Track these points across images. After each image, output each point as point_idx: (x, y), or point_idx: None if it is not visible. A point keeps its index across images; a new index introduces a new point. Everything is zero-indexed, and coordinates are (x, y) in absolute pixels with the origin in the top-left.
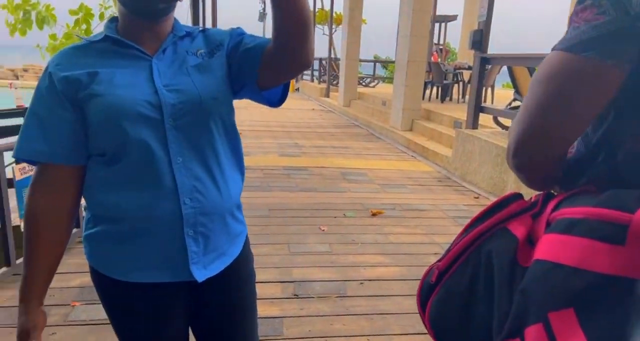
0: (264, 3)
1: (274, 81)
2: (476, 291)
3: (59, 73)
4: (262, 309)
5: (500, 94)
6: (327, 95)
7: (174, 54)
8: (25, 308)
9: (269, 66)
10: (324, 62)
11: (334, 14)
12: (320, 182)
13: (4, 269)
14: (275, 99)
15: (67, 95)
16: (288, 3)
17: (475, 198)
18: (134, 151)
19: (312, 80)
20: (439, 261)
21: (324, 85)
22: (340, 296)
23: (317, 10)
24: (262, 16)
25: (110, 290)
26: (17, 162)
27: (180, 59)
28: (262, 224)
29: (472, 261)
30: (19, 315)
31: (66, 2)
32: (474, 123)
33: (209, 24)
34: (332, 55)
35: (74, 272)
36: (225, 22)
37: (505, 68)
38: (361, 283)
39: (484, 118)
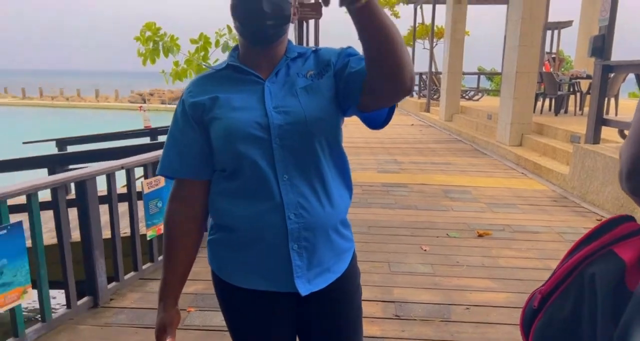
0: None
1: (374, 106)
2: (580, 316)
3: (189, 100)
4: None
5: (627, 105)
6: (428, 110)
7: (286, 76)
8: (163, 306)
9: (368, 92)
10: (424, 76)
11: (435, 28)
12: (421, 199)
13: (132, 274)
14: (379, 121)
15: (195, 119)
16: (373, 27)
17: (598, 220)
18: (246, 168)
19: (412, 95)
20: (542, 286)
21: (423, 100)
22: (445, 321)
23: (417, 25)
24: None
25: (225, 293)
26: (146, 177)
27: (291, 80)
28: (361, 241)
29: (575, 285)
30: (158, 312)
31: (188, 31)
32: (595, 138)
33: (312, 44)
34: (433, 69)
35: (190, 279)
36: (329, 42)
37: (632, 75)
38: (467, 308)
39: (607, 132)
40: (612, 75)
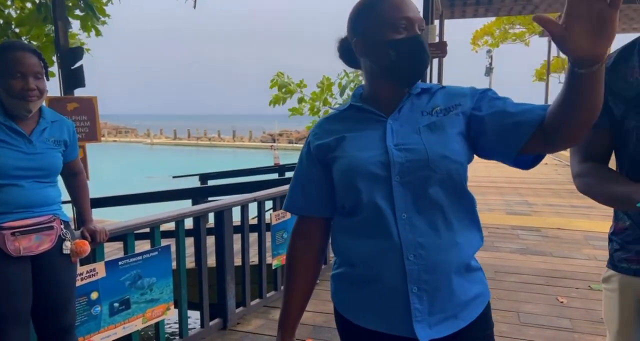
0: (491, 58)
1: (533, 152)
2: None
3: (315, 141)
4: None
5: None
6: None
7: (409, 112)
8: (281, 335)
9: (535, 143)
10: None
11: None
12: (557, 245)
13: (257, 300)
14: (529, 161)
15: (319, 159)
16: (594, 91)
17: None
18: (365, 205)
19: None
20: None
21: None
22: None
23: (552, 59)
24: (489, 71)
25: (345, 328)
26: (274, 209)
27: (414, 117)
28: None
29: None
30: (277, 339)
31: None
32: None
33: (435, 81)
34: None
35: (310, 311)
36: (452, 79)
37: None
38: None
39: None
40: None
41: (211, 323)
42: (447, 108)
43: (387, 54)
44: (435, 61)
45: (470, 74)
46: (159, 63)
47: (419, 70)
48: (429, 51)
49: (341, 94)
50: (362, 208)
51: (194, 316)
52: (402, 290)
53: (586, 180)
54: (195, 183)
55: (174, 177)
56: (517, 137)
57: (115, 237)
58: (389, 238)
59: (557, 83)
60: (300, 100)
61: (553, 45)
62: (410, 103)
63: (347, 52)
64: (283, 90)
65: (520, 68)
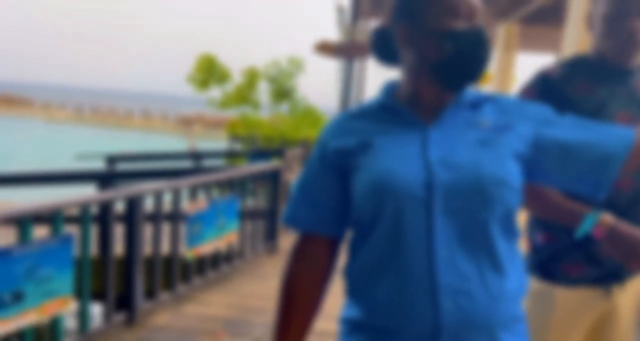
0: None
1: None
2: None
3: (332, 141)
4: None
5: None
6: None
7: (453, 123)
8: None
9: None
10: None
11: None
12: None
13: (167, 293)
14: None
15: (336, 165)
16: None
17: None
18: (392, 234)
19: None
20: None
21: None
22: None
23: None
24: None
25: None
26: (190, 199)
27: (460, 129)
28: None
29: None
30: None
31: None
32: None
33: (356, 84)
34: None
35: (220, 305)
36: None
37: None
38: None
39: None
40: None
41: (116, 316)
42: (500, 125)
43: (441, 46)
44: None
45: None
46: (59, 17)
47: (475, 72)
48: (491, 51)
49: (274, 96)
50: (388, 236)
51: (99, 310)
52: None
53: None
54: (100, 165)
55: (76, 156)
56: (605, 174)
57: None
58: (422, 279)
59: None
60: (227, 94)
61: None
62: (455, 113)
63: (384, 42)
64: (215, 75)
65: None
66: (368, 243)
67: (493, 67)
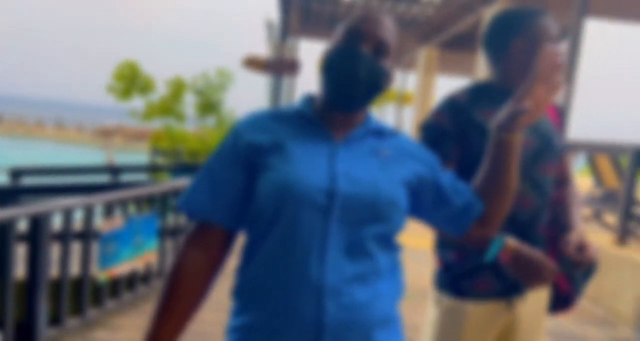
0: None
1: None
2: None
3: (246, 135)
4: None
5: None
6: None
7: (360, 144)
8: None
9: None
10: None
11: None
12: None
13: (76, 319)
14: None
15: (246, 159)
16: (513, 161)
17: None
18: (289, 236)
19: None
20: None
21: None
22: None
23: None
24: None
25: None
26: (105, 217)
27: (365, 152)
28: None
29: None
30: None
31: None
32: None
33: (285, 99)
34: None
35: None
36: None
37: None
38: None
39: None
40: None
41: None
42: (397, 158)
43: (321, 64)
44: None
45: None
46: None
47: (344, 96)
48: (371, 80)
49: (201, 109)
50: (284, 238)
51: None
52: None
53: None
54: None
55: None
56: (457, 225)
57: None
58: (311, 282)
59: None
60: (151, 105)
61: None
62: (363, 137)
63: None
64: (137, 85)
65: None
66: (263, 243)
67: (415, 88)
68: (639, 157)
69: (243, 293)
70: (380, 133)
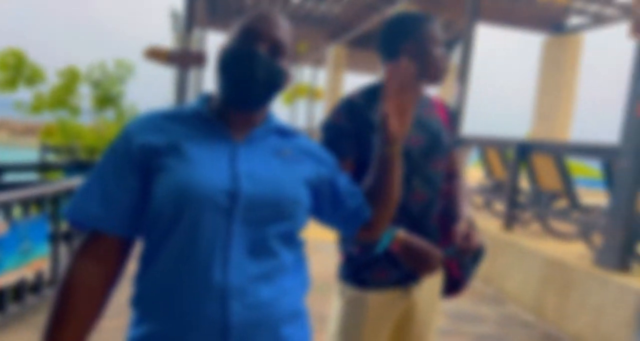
0: None
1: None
2: None
3: (139, 136)
4: None
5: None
6: None
7: (261, 144)
8: None
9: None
10: None
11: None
12: None
13: None
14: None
15: (140, 162)
16: (396, 173)
17: None
18: (189, 239)
19: None
20: None
21: None
22: None
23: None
24: None
25: None
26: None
27: (266, 151)
28: None
29: None
30: None
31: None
32: None
33: (192, 90)
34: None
35: None
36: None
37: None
38: None
39: None
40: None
41: None
42: (297, 158)
43: (217, 63)
44: (194, 72)
45: None
46: None
47: (241, 94)
48: (268, 79)
49: (98, 101)
50: (185, 242)
51: None
52: None
53: None
54: None
55: None
56: (355, 223)
57: None
58: (214, 284)
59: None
60: (40, 96)
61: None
62: (264, 136)
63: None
64: (23, 75)
65: None
66: (162, 248)
67: (325, 84)
68: (522, 150)
69: (142, 301)
70: (282, 132)
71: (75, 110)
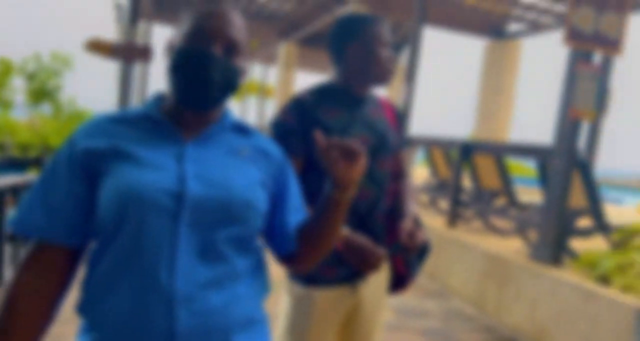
0: None
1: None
2: None
3: (83, 141)
4: None
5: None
6: None
7: (214, 143)
8: None
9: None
10: None
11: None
12: None
13: None
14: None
15: (84, 168)
16: (339, 220)
17: None
18: (134, 244)
19: None
20: None
21: None
22: None
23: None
24: None
25: None
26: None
27: (219, 151)
28: None
29: None
30: None
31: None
32: None
33: (137, 85)
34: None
35: None
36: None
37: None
38: None
39: None
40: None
41: None
42: (255, 158)
43: (169, 62)
44: (139, 68)
45: None
46: None
47: (194, 96)
48: (222, 80)
49: (32, 95)
50: (129, 246)
51: None
52: None
53: None
54: None
55: None
56: (288, 242)
57: None
58: (160, 290)
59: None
60: None
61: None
62: (217, 135)
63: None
64: None
65: None
66: (108, 253)
67: (276, 81)
68: (465, 150)
69: (88, 308)
70: (239, 130)
71: (6, 104)
